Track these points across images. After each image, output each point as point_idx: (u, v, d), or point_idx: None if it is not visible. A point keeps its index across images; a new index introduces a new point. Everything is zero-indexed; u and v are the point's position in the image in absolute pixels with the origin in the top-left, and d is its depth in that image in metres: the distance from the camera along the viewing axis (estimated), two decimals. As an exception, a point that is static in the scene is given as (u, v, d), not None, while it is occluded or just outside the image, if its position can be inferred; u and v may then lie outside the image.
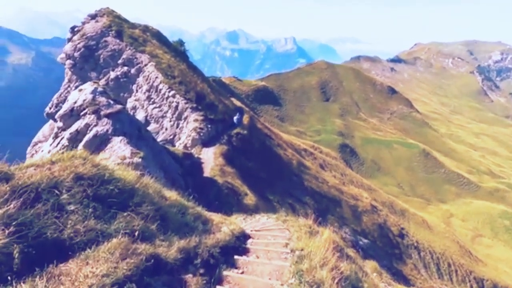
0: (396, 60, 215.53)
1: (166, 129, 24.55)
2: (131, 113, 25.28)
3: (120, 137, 9.99)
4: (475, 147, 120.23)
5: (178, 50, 33.09)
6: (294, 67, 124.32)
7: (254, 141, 28.54)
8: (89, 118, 10.42)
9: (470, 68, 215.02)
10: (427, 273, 36.27)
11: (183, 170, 14.54)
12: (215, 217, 5.26)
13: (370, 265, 8.64)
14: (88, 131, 10.24)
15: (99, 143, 9.92)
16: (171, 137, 24.27)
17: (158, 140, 24.35)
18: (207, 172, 16.58)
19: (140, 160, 8.75)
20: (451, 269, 39.85)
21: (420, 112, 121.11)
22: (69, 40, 26.72)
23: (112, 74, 26.16)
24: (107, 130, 10.17)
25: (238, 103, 41.35)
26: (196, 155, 19.87)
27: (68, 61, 25.78)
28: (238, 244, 4.71)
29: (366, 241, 28.00)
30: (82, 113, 10.69)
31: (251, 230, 5.17)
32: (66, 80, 27.20)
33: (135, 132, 11.10)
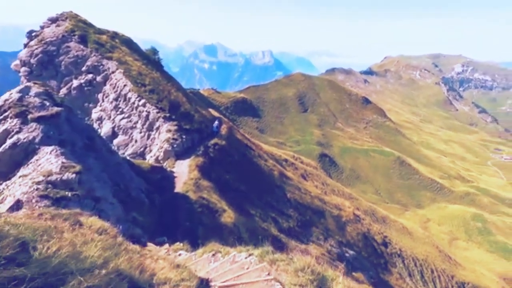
0: (369, 72, 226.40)
1: (136, 141, 22.44)
2: (96, 124, 22.97)
3: (52, 147, 7.86)
4: (444, 153, 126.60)
5: (151, 59, 31.24)
6: (272, 80, 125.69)
7: (233, 152, 27.04)
8: (11, 123, 8.26)
9: (436, 79, 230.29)
10: (412, 281, 35.84)
11: (149, 186, 12.61)
12: (162, 263, 3.24)
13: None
14: (7, 140, 8.07)
15: (24, 155, 7.72)
16: (142, 149, 22.18)
17: (127, 153, 22.16)
18: (179, 187, 14.79)
19: (73, 176, 6.76)
20: (434, 276, 39.86)
21: (393, 121, 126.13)
22: (26, 45, 24.18)
23: (75, 82, 23.84)
24: (34, 138, 8.03)
25: (216, 114, 39.85)
26: (168, 169, 17.97)
27: (23, 68, 23.15)
28: None
29: (352, 252, 27.01)
30: (1, 117, 8.48)
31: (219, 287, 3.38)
32: (21, 89, 24.41)
33: (81, 141, 9.01)
